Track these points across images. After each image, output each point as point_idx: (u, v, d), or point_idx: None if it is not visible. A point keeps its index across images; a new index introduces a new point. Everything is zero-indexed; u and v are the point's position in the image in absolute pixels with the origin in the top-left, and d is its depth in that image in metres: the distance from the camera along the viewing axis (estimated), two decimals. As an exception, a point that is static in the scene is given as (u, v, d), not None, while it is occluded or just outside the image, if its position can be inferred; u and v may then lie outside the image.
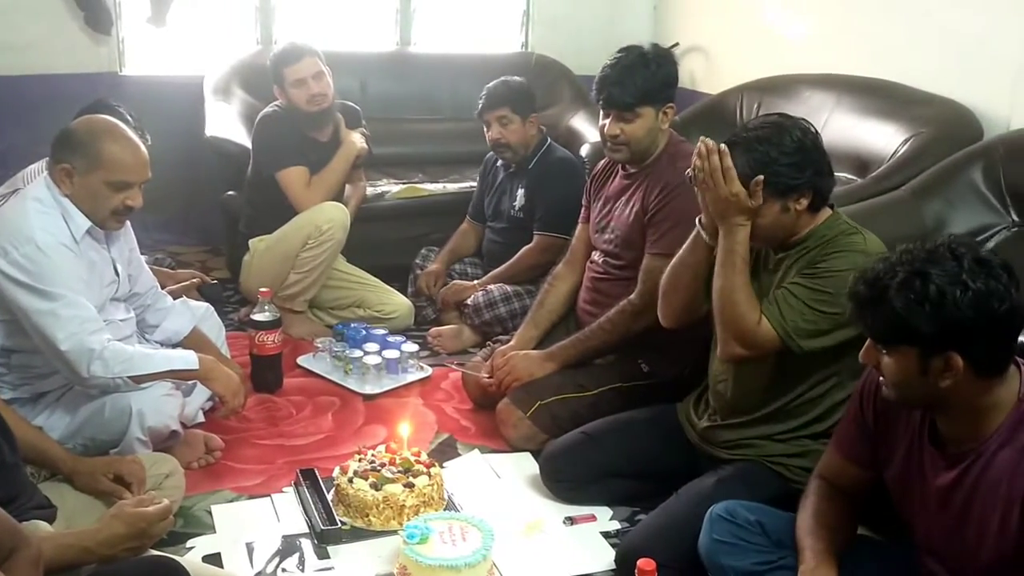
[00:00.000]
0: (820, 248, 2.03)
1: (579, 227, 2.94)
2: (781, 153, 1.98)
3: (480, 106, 3.40)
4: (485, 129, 3.42)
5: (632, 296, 2.63)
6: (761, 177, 1.96)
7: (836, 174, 2.96)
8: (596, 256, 2.83)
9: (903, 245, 1.57)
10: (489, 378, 2.80)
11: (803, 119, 2.08)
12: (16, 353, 2.28)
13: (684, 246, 2.21)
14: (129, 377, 2.22)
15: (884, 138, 3.00)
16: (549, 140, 3.50)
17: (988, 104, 2.95)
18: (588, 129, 4.09)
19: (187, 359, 2.33)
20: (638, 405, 2.51)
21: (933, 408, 1.60)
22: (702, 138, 2.04)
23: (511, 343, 2.88)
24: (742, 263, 2.02)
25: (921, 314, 1.47)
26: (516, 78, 3.49)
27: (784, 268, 2.08)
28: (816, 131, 2.06)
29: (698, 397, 2.35)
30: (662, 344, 2.59)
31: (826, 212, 2.08)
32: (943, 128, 2.91)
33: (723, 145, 1.98)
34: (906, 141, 2.92)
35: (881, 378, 1.61)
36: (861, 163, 3.04)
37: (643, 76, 2.56)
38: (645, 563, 1.65)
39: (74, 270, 2.21)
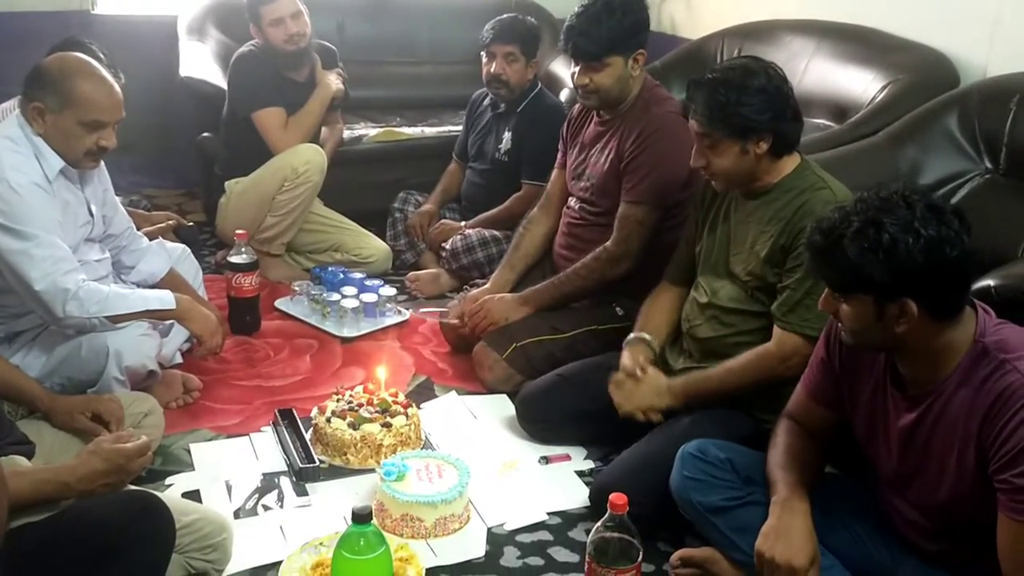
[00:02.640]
0: (790, 200, 2.06)
1: (555, 172, 2.94)
2: (741, 94, 2.00)
3: (489, 37, 3.34)
4: (484, 60, 3.37)
5: (608, 243, 2.64)
6: None
7: (814, 120, 3.01)
8: (572, 202, 2.83)
9: (859, 193, 1.59)
10: (460, 324, 2.81)
11: (772, 64, 2.09)
12: (-11, 293, 2.27)
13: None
14: (105, 317, 2.22)
15: (862, 84, 3.00)
16: (540, 85, 3.48)
17: (965, 51, 2.95)
18: (568, 75, 4.05)
19: (163, 299, 2.33)
20: (613, 348, 2.52)
21: (891, 352, 1.64)
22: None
23: (486, 286, 2.89)
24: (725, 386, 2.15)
25: (875, 263, 1.49)
26: (530, 18, 3.46)
27: (757, 218, 2.11)
28: (784, 76, 2.07)
29: (673, 340, 2.38)
30: (637, 289, 2.61)
31: (793, 160, 2.11)
32: (920, 75, 2.92)
33: None
34: (884, 88, 2.92)
35: (840, 325, 1.65)
36: (839, 109, 3.04)
37: (609, 25, 2.52)
38: (617, 497, 1.69)
39: (47, 210, 2.19)
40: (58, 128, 2.19)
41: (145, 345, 2.35)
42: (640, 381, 2.22)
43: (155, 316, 2.35)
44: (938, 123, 2.66)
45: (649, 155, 2.55)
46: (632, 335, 2.36)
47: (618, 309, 2.70)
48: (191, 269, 2.81)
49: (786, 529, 1.69)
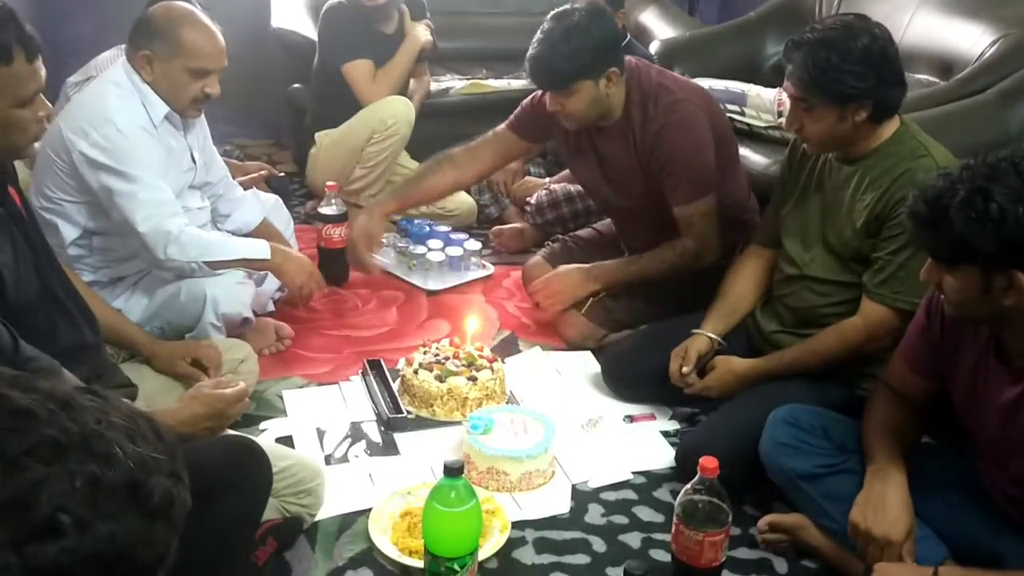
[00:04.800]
0: (888, 167, 1.97)
1: (502, 130, 2.72)
2: (844, 60, 1.89)
3: None
4: None
5: (687, 242, 2.50)
6: None
7: (918, 76, 2.89)
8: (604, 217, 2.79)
9: (965, 160, 1.51)
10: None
11: (878, 24, 1.97)
12: (97, 235, 2.33)
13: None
14: (204, 263, 2.28)
15: (970, 39, 2.87)
16: (629, 36, 3.40)
17: (1084, 4, 2.81)
18: (658, 25, 3.98)
19: (261, 248, 2.37)
20: (699, 301, 2.48)
21: (996, 324, 1.58)
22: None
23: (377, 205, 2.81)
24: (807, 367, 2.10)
25: (982, 233, 1.43)
26: None
27: (854, 185, 2.03)
28: (890, 37, 1.96)
29: (764, 303, 2.33)
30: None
31: (894, 124, 2.01)
32: (1034, 29, 2.79)
33: None
34: (994, 43, 2.80)
35: (943, 296, 1.59)
36: (945, 65, 2.92)
37: (568, 55, 2.32)
38: (708, 460, 1.68)
39: (152, 154, 2.25)
40: (166, 76, 2.24)
41: (241, 293, 2.40)
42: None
43: (251, 266, 2.40)
44: (1053, 81, 2.54)
45: (678, 156, 2.42)
46: (696, 331, 2.27)
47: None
48: (283, 219, 2.86)
49: (882, 500, 1.66)
